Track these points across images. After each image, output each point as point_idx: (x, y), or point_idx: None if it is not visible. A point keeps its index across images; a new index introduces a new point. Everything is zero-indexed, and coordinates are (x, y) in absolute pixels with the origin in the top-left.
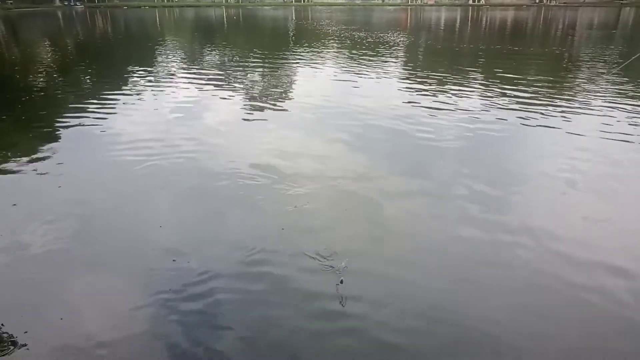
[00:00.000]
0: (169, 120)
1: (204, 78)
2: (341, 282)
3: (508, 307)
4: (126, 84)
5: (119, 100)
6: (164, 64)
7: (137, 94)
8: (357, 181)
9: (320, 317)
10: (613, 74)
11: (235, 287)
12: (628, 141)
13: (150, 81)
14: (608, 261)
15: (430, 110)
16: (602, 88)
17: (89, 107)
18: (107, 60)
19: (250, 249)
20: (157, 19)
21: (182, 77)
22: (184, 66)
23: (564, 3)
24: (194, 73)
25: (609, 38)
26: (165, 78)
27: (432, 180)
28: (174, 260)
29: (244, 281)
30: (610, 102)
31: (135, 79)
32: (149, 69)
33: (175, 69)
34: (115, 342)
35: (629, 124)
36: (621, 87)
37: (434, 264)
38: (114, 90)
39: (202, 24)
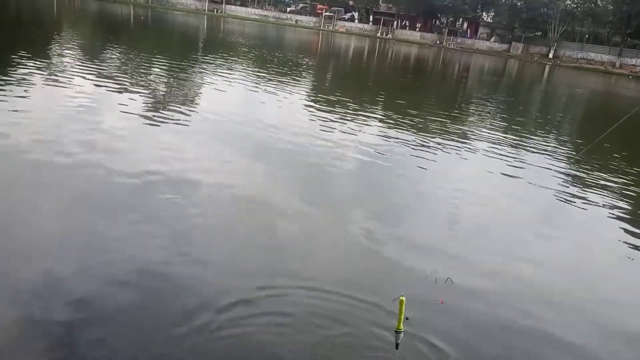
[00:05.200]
0: (59, 119)
1: (104, 77)
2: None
3: None
4: (12, 75)
5: (2, 92)
6: (59, 57)
7: (26, 88)
8: (253, 199)
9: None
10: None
11: (119, 303)
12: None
13: (41, 74)
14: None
15: (332, 135)
16: (488, 130)
17: None
18: None
19: (140, 263)
20: (55, 7)
21: (79, 74)
22: (82, 62)
23: (460, 47)
24: (93, 71)
25: (496, 84)
26: (60, 73)
27: (326, 204)
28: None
29: (128, 296)
30: (492, 144)
31: (24, 70)
32: (41, 60)
33: (71, 64)
34: None
35: (505, 165)
36: (502, 132)
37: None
38: None
39: (106, 20)
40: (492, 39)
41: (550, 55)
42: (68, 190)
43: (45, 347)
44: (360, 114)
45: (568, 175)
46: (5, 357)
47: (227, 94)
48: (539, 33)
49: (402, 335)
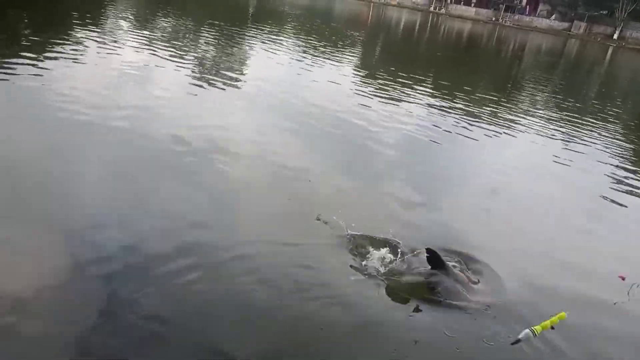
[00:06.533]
0: (111, 81)
1: (154, 43)
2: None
3: None
4: (66, 39)
5: (57, 54)
6: (111, 23)
7: (79, 51)
8: (293, 171)
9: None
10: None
11: (160, 260)
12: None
13: (94, 38)
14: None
15: (377, 109)
16: (539, 114)
17: (21, 61)
18: (43, 9)
19: (179, 227)
20: None
21: (129, 39)
22: (133, 27)
23: (517, 25)
24: (144, 36)
25: (553, 65)
26: (111, 37)
27: (365, 178)
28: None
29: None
30: (541, 129)
31: (77, 34)
32: (93, 25)
33: (122, 29)
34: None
35: (554, 152)
36: (557, 113)
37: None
38: (51, 44)
39: None
40: (553, 16)
41: (615, 36)
42: (114, 147)
43: (87, 287)
44: (407, 91)
45: (622, 169)
46: (56, 300)
47: (273, 63)
48: (605, 12)
49: (531, 339)
